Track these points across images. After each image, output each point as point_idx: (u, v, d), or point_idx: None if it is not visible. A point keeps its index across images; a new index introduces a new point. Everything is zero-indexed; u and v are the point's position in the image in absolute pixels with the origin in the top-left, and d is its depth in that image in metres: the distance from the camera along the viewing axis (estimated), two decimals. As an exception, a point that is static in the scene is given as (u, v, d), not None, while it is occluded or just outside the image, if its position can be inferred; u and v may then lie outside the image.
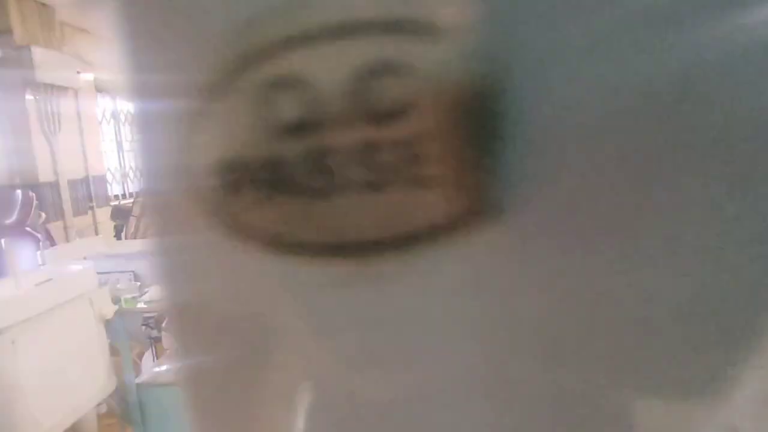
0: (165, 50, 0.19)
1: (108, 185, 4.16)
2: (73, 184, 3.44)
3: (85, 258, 1.88)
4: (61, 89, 3.28)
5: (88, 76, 3.75)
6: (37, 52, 2.95)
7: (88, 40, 3.81)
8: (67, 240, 2.73)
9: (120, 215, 3.84)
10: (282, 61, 0.17)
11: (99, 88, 4.04)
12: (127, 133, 4.42)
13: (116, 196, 4.26)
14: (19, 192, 2.10)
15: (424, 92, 0.17)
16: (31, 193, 2.12)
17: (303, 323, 0.20)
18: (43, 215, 2.25)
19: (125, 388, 1.58)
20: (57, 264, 1.63)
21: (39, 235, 2.25)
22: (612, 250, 0.18)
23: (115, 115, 4.37)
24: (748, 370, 0.18)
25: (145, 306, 1.67)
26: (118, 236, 3.72)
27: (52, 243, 2.05)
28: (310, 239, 0.18)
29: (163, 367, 1.58)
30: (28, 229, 2.18)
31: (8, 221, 2.13)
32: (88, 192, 3.74)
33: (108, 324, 1.68)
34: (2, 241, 1.39)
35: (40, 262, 1.86)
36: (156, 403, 1.53)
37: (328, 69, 0.17)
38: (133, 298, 1.75)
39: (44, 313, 1.38)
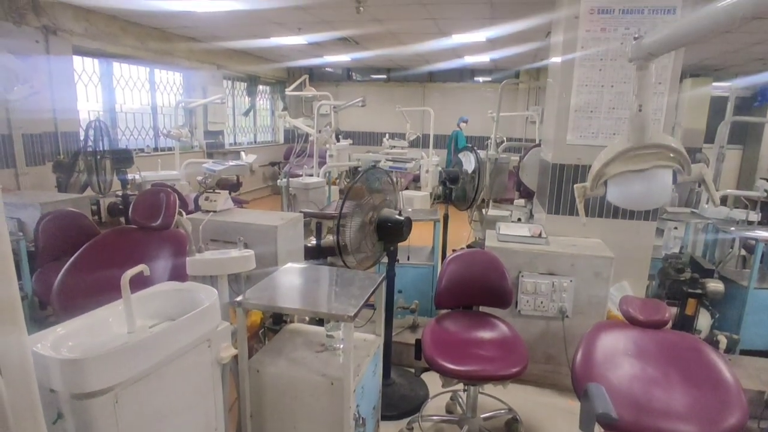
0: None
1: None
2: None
3: None
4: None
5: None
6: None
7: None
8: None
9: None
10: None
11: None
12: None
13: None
14: (162, 193, 2.06)
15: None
16: (173, 193, 2.07)
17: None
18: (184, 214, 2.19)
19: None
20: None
21: (185, 234, 2.17)
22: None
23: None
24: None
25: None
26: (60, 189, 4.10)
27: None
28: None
29: None
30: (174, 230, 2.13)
31: (155, 223, 2.10)
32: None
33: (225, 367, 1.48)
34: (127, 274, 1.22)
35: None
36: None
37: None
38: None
39: (156, 364, 1.19)
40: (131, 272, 1.20)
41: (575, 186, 1.32)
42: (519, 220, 4.64)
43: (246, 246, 2.89)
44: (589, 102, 2.81)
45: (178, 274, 1.87)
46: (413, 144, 8.90)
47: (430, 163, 7.70)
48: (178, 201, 2.10)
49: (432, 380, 2.68)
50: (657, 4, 2.59)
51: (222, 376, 1.51)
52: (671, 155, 1.12)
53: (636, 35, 1.12)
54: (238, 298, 1.72)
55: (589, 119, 2.82)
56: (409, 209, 4.28)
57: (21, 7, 4.31)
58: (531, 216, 4.46)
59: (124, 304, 1.17)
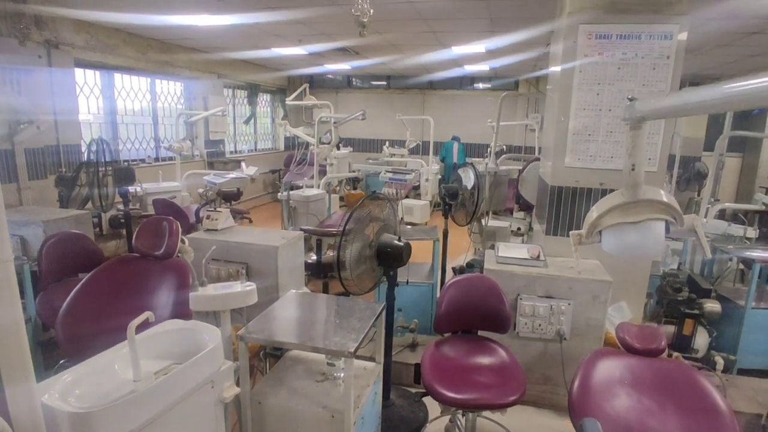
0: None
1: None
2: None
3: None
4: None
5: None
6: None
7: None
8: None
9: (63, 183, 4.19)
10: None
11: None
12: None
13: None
14: (165, 222, 2.09)
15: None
16: (176, 222, 2.10)
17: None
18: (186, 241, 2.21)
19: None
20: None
21: (188, 264, 2.17)
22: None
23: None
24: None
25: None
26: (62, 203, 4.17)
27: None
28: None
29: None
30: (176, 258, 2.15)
31: (158, 252, 2.12)
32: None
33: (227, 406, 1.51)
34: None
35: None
36: None
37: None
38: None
39: (161, 411, 1.22)
40: (137, 321, 1.23)
41: (571, 233, 1.35)
42: (519, 229, 4.69)
43: (247, 267, 2.93)
44: (587, 125, 2.83)
45: (181, 307, 1.90)
46: (413, 151, 8.94)
47: (430, 171, 7.72)
48: (180, 229, 2.13)
49: (431, 401, 2.70)
50: (654, 30, 2.62)
51: (225, 412, 1.54)
52: (663, 208, 1.15)
53: (630, 96, 1.15)
54: (240, 332, 1.75)
55: (587, 142, 2.85)
56: (408, 227, 4.31)
57: (25, 26, 4.34)
58: (530, 228, 4.50)
59: (130, 352, 1.20)
